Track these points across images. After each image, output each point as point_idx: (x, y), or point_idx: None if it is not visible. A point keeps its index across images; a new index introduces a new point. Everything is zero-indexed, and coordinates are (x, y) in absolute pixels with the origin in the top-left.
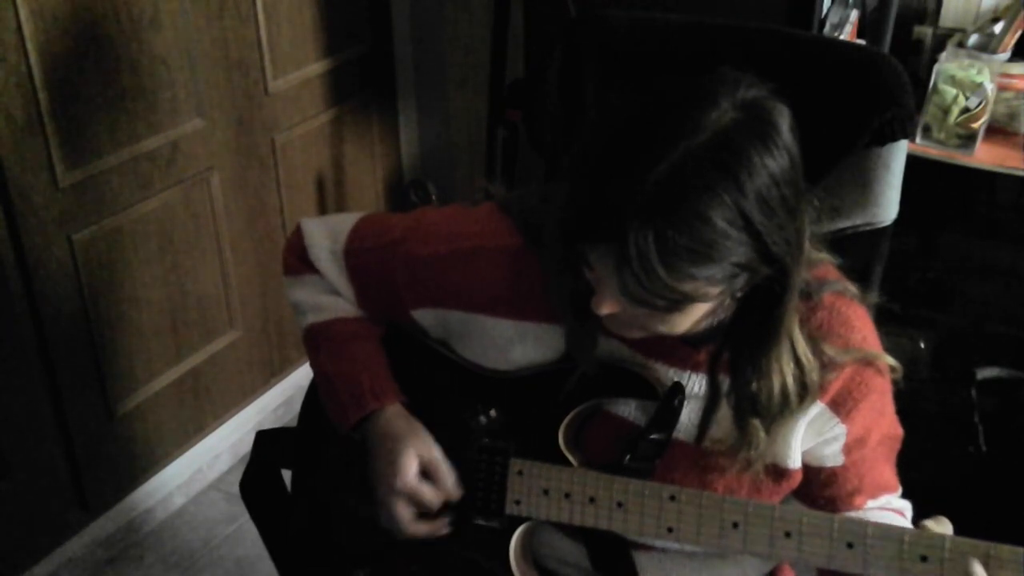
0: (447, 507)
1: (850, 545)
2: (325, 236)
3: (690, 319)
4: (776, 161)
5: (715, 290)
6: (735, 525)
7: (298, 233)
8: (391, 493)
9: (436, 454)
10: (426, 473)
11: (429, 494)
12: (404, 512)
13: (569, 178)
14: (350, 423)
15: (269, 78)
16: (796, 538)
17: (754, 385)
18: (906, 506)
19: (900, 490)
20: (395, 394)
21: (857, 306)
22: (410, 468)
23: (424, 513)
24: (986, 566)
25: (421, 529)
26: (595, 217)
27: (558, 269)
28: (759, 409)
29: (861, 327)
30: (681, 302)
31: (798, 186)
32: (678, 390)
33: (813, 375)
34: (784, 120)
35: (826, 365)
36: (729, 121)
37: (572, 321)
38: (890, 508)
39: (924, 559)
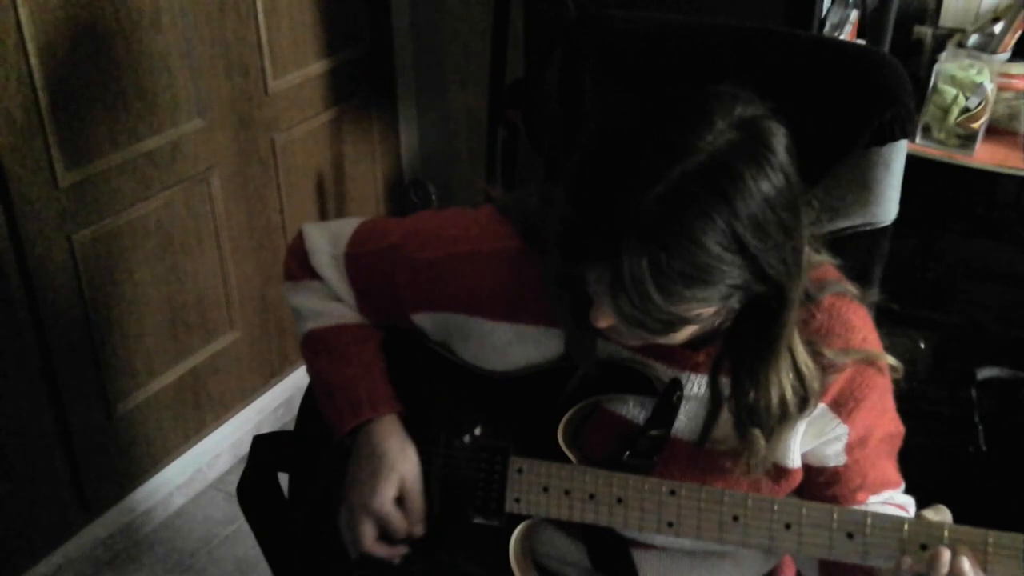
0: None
1: (850, 535)
2: (326, 241)
3: (685, 334)
4: (771, 183)
5: (710, 310)
6: (735, 518)
7: (299, 238)
8: (362, 509)
9: (417, 485)
10: (401, 499)
11: (398, 522)
12: (368, 531)
13: (565, 197)
14: (345, 430)
15: (269, 78)
16: (796, 529)
17: (752, 396)
18: (909, 502)
19: (903, 485)
20: (391, 404)
21: (857, 306)
22: (388, 491)
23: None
24: (985, 553)
25: (379, 551)
26: (590, 240)
27: (557, 280)
28: (757, 419)
29: (861, 327)
30: (675, 323)
31: (795, 208)
32: (676, 386)
33: (814, 383)
34: (780, 141)
35: (826, 367)
36: (724, 143)
37: (571, 327)
38: (892, 503)
39: (924, 547)
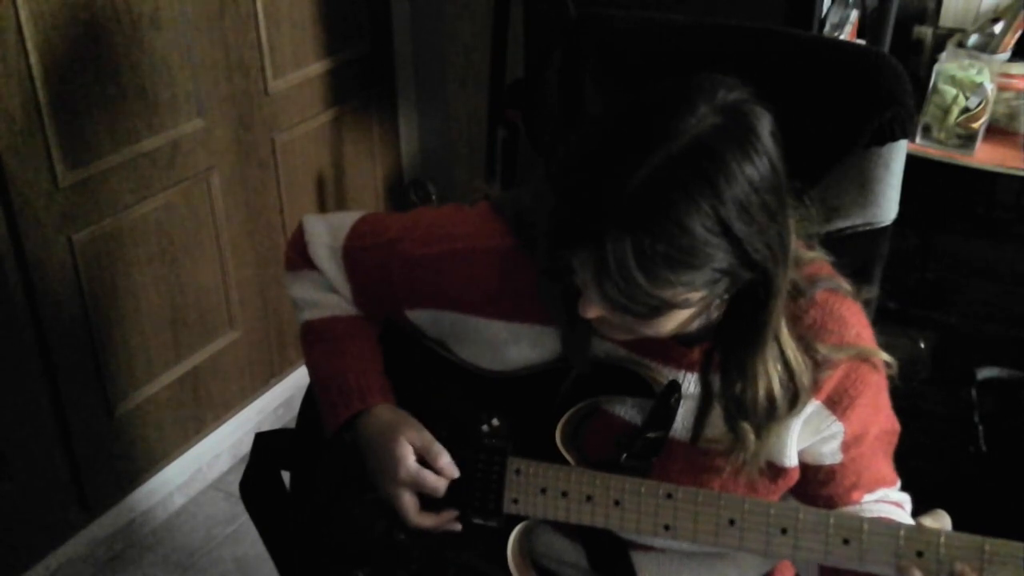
0: (450, 499)
1: (846, 541)
2: (325, 233)
3: (674, 323)
4: (755, 167)
5: (696, 296)
6: (731, 522)
7: (300, 229)
8: (394, 485)
9: (427, 437)
10: (422, 460)
11: (430, 479)
12: (409, 502)
13: (553, 185)
14: (338, 421)
15: (269, 78)
16: (792, 535)
17: (738, 387)
18: (905, 498)
19: (899, 483)
20: (383, 394)
21: (851, 302)
22: (408, 456)
23: (428, 505)
24: (981, 561)
25: (427, 521)
26: (575, 224)
27: (547, 271)
28: (745, 412)
29: (855, 323)
30: (661, 308)
31: (779, 191)
32: (674, 388)
33: (803, 378)
34: (764, 124)
35: (820, 363)
36: (708, 126)
37: (565, 323)
38: (888, 500)
39: (920, 555)
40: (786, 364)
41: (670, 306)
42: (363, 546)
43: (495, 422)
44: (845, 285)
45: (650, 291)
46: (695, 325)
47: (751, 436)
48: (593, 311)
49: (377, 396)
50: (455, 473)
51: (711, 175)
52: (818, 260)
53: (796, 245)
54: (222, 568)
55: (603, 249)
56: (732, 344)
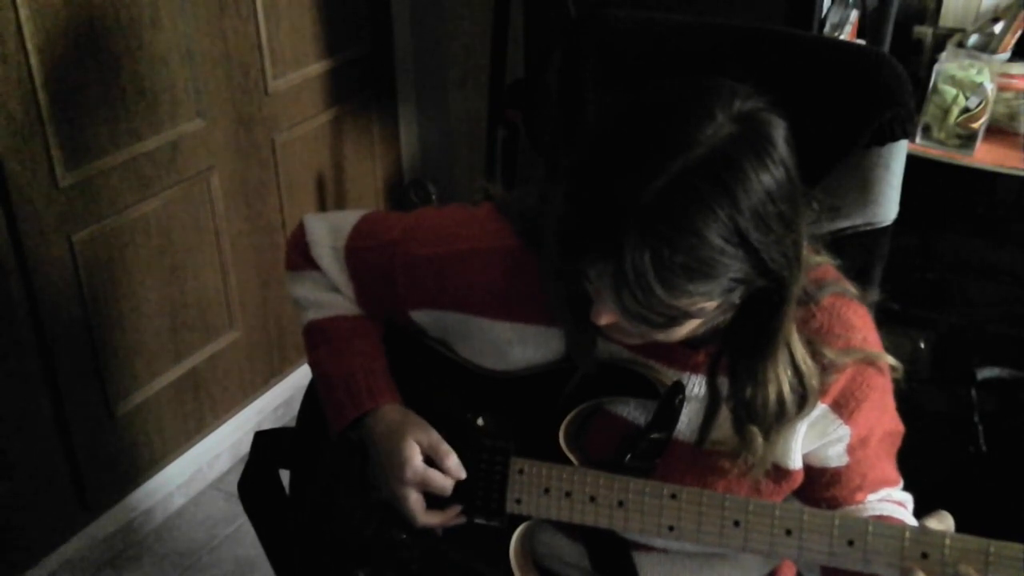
0: (452, 499)
1: (851, 543)
2: (327, 233)
3: (687, 329)
4: (772, 176)
5: (712, 304)
6: (736, 523)
7: (301, 229)
8: (401, 485)
9: (435, 437)
10: (429, 459)
11: (437, 479)
12: (416, 502)
13: (565, 192)
14: (346, 421)
15: (269, 78)
16: (797, 536)
17: (749, 392)
18: (907, 498)
19: (901, 483)
20: (391, 393)
21: (857, 306)
22: (415, 456)
23: (433, 503)
24: (986, 563)
25: (434, 519)
26: (591, 235)
27: (556, 276)
28: (755, 416)
29: (861, 327)
30: (677, 318)
31: (795, 200)
32: (678, 389)
33: (813, 381)
34: (780, 133)
35: (827, 367)
36: (725, 135)
37: (571, 325)
38: (890, 500)
39: (925, 556)
40: (796, 367)
41: (686, 315)
42: (364, 545)
43: (480, 422)
44: (851, 289)
45: (667, 301)
46: (702, 329)
47: (759, 439)
48: (607, 318)
49: (385, 395)
50: (462, 474)
51: (729, 185)
52: (824, 264)
53: (805, 250)
54: (222, 568)
55: (622, 260)
56: (742, 348)
